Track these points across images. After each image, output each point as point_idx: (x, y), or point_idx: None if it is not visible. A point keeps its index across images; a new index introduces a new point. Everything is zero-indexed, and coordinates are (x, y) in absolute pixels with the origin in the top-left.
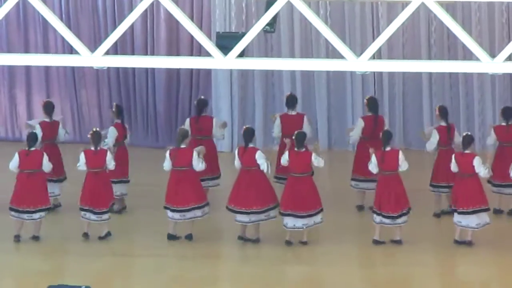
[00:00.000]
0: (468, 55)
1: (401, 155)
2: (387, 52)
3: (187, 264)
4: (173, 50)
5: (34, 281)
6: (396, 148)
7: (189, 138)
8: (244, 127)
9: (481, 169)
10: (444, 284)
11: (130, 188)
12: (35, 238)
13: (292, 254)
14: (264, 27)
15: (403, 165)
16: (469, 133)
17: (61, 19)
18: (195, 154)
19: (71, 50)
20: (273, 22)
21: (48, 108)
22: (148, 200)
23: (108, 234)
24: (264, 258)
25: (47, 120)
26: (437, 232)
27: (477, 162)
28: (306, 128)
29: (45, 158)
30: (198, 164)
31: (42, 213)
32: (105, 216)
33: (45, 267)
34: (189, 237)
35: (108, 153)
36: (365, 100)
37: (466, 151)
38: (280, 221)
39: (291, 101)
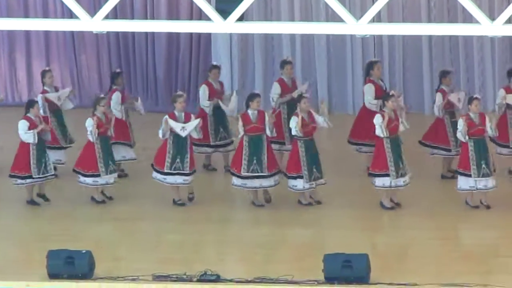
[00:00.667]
0: (468, 18)
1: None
2: (386, 15)
3: (190, 228)
4: (173, 14)
5: (36, 246)
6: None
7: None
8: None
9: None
10: (445, 248)
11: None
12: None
13: (296, 217)
14: None
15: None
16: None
17: None
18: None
19: (70, 15)
20: None
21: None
22: (149, 163)
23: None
24: (268, 221)
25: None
26: (440, 195)
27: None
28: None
29: None
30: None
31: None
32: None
33: (47, 231)
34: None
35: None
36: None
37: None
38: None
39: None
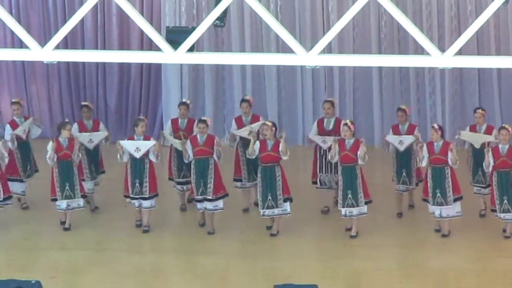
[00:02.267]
0: (418, 49)
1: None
2: (337, 46)
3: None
4: (124, 44)
5: None
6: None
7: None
8: None
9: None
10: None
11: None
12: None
13: (246, 246)
14: (214, 22)
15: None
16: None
17: (11, 13)
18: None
19: (20, 44)
20: (223, 16)
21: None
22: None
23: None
24: (219, 250)
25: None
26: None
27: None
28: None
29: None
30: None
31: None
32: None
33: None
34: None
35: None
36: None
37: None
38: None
39: None
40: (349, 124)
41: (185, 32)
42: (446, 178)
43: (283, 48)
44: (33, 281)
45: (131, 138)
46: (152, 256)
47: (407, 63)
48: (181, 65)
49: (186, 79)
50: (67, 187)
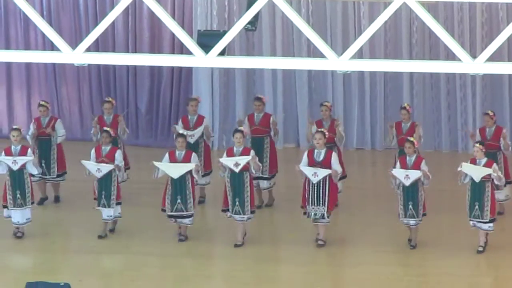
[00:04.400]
0: (450, 55)
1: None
2: (368, 51)
3: (170, 262)
4: (155, 48)
5: (13, 277)
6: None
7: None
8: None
9: None
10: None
11: None
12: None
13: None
14: (246, 26)
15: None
16: None
17: (42, 15)
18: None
19: (52, 47)
20: (254, 21)
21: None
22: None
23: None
24: (246, 256)
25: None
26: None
27: None
28: None
29: None
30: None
31: None
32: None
33: (24, 263)
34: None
35: None
36: None
37: None
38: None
39: None
40: (407, 107)
41: (217, 35)
42: (498, 164)
43: (314, 52)
44: (62, 283)
45: (185, 118)
46: (181, 260)
47: (438, 69)
48: (212, 68)
49: (217, 83)
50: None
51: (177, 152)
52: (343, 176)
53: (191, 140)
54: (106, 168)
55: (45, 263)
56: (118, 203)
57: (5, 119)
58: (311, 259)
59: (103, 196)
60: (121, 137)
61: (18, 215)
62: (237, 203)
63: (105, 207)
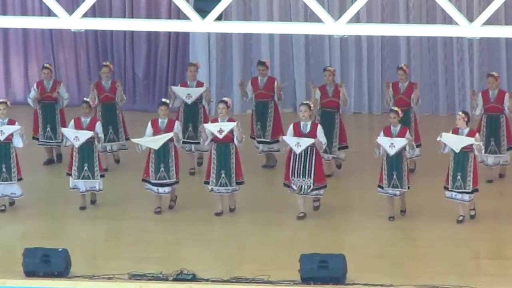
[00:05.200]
0: (447, 19)
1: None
2: (365, 15)
3: (167, 227)
4: (151, 13)
5: (12, 244)
6: None
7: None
8: None
9: None
10: (420, 250)
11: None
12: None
13: (273, 217)
14: None
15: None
16: None
17: None
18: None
19: (49, 13)
20: None
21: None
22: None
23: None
24: (244, 221)
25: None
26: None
27: None
28: None
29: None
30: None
31: None
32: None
33: (22, 230)
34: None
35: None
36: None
37: None
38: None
39: None
40: (404, 67)
41: (213, 0)
42: (501, 127)
43: (311, 17)
44: (60, 249)
45: (184, 84)
46: (178, 224)
47: (435, 32)
48: (209, 34)
49: (214, 48)
50: (110, 131)
51: (159, 120)
52: (345, 146)
53: (189, 101)
54: (84, 135)
55: (43, 229)
56: (102, 175)
57: (2, 85)
58: (312, 223)
59: (86, 168)
60: (119, 104)
61: (2, 188)
62: (222, 175)
63: (88, 178)
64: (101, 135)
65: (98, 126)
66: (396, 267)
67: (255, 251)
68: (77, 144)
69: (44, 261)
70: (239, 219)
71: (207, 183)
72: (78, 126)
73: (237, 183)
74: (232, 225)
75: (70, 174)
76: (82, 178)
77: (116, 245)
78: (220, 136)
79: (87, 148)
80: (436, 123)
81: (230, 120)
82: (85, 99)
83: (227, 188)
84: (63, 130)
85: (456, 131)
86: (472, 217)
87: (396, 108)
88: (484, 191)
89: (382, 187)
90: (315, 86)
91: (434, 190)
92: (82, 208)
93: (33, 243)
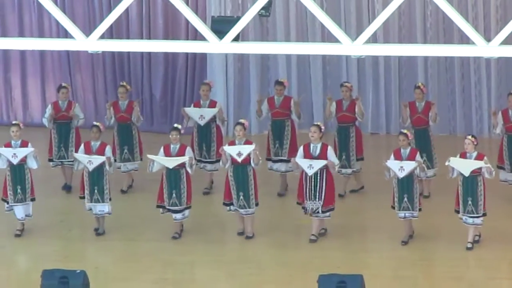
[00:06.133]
0: (464, 38)
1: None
2: (382, 35)
3: (184, 248)
4: (169, 34)
5: (30, 266)
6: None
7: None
8: None
9: None
10: (437, 269)
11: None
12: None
13: (291, 238)
14: (259, 11)
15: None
16: None
17: (56, 3)
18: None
19: (66, 34)
20: (268, 6)
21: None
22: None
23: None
24: (262, 241)
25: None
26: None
27: None
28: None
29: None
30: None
31: None
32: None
33: (41, 251)
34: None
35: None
36: None
37: None
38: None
39: None
40: (421, 86)
41: (231, 21)
42: None
43: (329, 37)
44: (78, 271)
45: (197, 104)
46: (195, 245)
47: (452, 52)
48: (226, 54)
49: (232, 69)
50: (125, 151)
51: (171, 146)
52: (361, 158)
53: (202, 122)
54: (97, 160)
55: (60, 251)
56: (110, 199)
57: (20, 107)
58: (328, 244)
59: (95, 191)
60: (136, 124)
61: (19, 210)
62: (241, 197)
63: (98, 202)
64: (113, 158)
65: (108, 151)
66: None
67: (272, 272)
68: (91, 167)
69: (63, 283)
70: (255, 241)
71: (226, 204)
72: (88, 150)
73: (256, 205)
74: (248, 247)
75: (83, 197)
76: (93, 202)
77: (133, 267)
78: (239, 160)
79: (97, 171)
80: (454, 143)
81: (247, 142)
82: (94, 123)
83: (246, 210)
84: (76, 155)
85: (464, 155)
86: (476, 242)
87: (405, 131)
88: (503, 210)
89: (394, 208)
90: (331, 98)
91: (450, 211)
92: (96, 230)
93: (51, 265)
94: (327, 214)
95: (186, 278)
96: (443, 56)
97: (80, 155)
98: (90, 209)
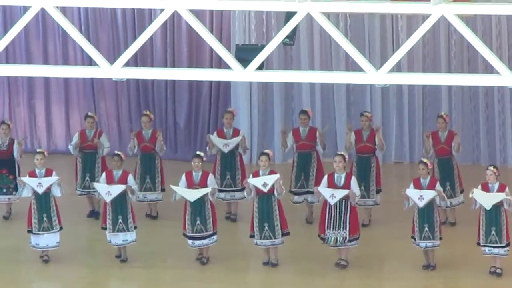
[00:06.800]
0: (488, 68)
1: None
2: (407, 65)
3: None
4: (193, 62)
5: None
6: None
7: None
8: None
9: None
10: None
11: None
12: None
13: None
14: (284, 40)
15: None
16: None
17: (81, 30)
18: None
19: (90, 62)
20: (292, 35)
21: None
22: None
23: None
24: (288, 270)
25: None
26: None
27: None
28: None
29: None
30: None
31: None
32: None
33: (66, 279)
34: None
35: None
36: None
37: None
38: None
39: None
40: (444, 116)
41: (255, 50)
42: None
43: (353, 66)
44: None
45: (220, 131)
46: (219, 273)
47: (476, 82)
48: (251, 83)
49: (256, 97)
50: (147, 180)
51: (194, 173)
52: (379, 190)
53: (225, 150)
54: (116, 189)
55: (85, 278)
56: (135, 227)
57: (44, 134)
58: (349, 273)
59: (120, 221)
60: (159, 153)
61: (45, 239)
62: (266, 227)
63: (123, 231)
64: (135, 187)
65: (130, 179)
66: None
67: None
68: (108, 199)
69: None
70: (281, 269)
71: (252, 236)
72: (110, 179)
73: (283, 234)
74: (274, 275)
75: (105, 228)
76: (117, 231)
77: None
78: (265, 190)
79: (119, 200)
80: (478, 173)
81: (271, 172)
82: (116, 152)
83: (272, 240)
84: (96, 185)
85: (485, 186)
86: (498, 275)
87: (425, 160)
88: None
89: (414, 239)
90: (351, 127)
91: (474, 240)
92: (118, 257)
93: None
94: (353, 243)
95: None
96: (467, 86)
97: (100, 185)
98: (110, 241)
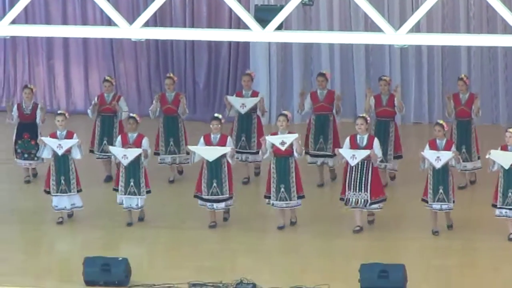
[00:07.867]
0: (507, 28)
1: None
2: (426, 25)
3: (227, 236)
4: (212, 23)
5: (72, 253)
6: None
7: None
8: None
9: None
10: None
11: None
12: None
13: (333, 227)
14: (303, 0)
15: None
16: None
17: None
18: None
19: (109, 22)
20: None
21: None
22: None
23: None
24: (304, 231)
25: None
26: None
27: None
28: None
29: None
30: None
31: None
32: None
33: (83, 239)
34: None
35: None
36: None
37: None
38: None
39: None
40: (464, 78)
41: (274, 10)
42: None
43: (372, 27)
44: (120, 258)
45: (239, 94)
46: (236, 234)
47: (496, 42)
48: (269, 43)
49: (274, 58)
50: (171, 143)
51: (212, 136)
52: (399, 155)
53: (242, 111)
54: (133, 153)
55: (102, 239)
56: (148, 191)
57: (63, 95)
58: (369, 234)
59: (131, 184)
60: (181, 117)
61: (62, 201)
62: (282, 189)
63: (134, 195)
64: (149, 150)
65: (145, 142)
66: (456, 278)
67: (314, 261)
68: (125, 162)
69: (105, 270)
70: (299, 230)
71: (267, 197)
72: (125, 141)
73: (298, 197)
74: (291, 236)
75: (116, 190)
76: (128, 194)
77: (175, 255)
78: (283, 148)
79: (133, 164)
80: (497, 133)
81: (290, 133)
82: (130, 114)
83: (287, 202)
84: (111, 148)
85: (505, 148)
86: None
87: (441, 121)
88: None
89: (426, 201)
90: (371, 92)
91: (489, 203)
92: (129, 224)
93: (93, 252)
94: (377, 206)
95: (229, 267)
96: (486, 46)
97: (115, 148)
98: (121, 203)
